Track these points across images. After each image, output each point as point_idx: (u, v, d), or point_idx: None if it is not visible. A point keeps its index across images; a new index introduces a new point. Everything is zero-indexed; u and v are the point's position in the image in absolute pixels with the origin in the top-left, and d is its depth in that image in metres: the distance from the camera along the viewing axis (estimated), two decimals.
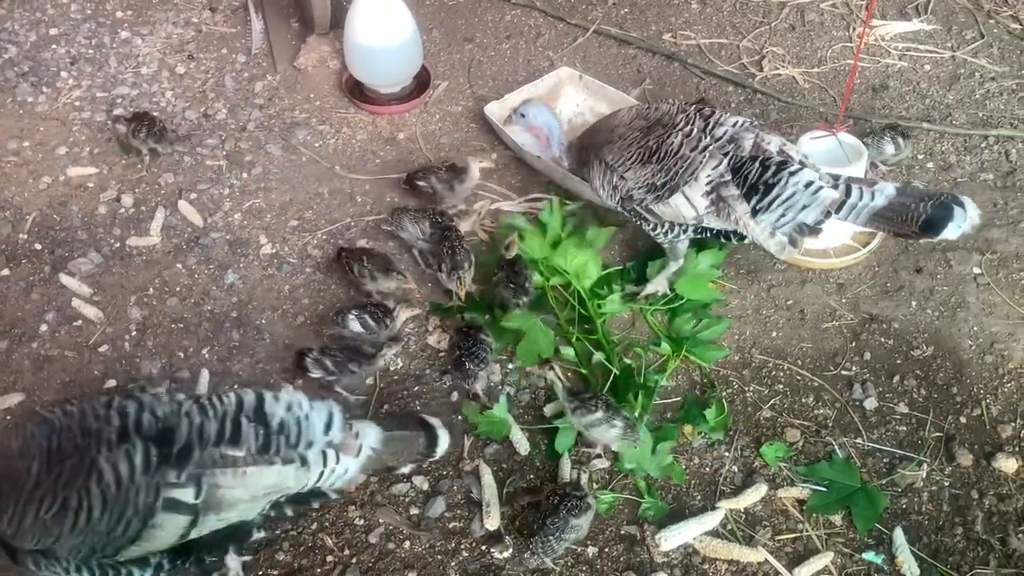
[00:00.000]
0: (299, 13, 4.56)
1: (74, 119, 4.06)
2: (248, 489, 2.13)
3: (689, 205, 2.91)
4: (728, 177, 2.85)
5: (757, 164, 2.83)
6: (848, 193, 2.79)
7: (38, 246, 3.53)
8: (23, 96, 4.15)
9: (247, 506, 2.17)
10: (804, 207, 2.80)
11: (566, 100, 4.05)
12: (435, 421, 2.52)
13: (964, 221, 2.74)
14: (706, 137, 2.89)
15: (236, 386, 2.39)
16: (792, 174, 2.81)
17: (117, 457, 2.04)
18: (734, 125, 2.90)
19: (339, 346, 3.00)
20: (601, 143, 3.12)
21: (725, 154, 2.86)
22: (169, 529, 2.09)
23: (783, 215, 2.83)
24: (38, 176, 3.80)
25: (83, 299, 3.33)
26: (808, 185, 2.79)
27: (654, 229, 3.10)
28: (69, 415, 2.10)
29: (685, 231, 3.05)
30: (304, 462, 2.19)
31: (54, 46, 4.42)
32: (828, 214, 2.81)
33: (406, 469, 2.68)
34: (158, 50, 4.42)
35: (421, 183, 3.57)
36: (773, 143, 2.88)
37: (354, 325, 3.05)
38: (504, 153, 3.92)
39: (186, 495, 2.07)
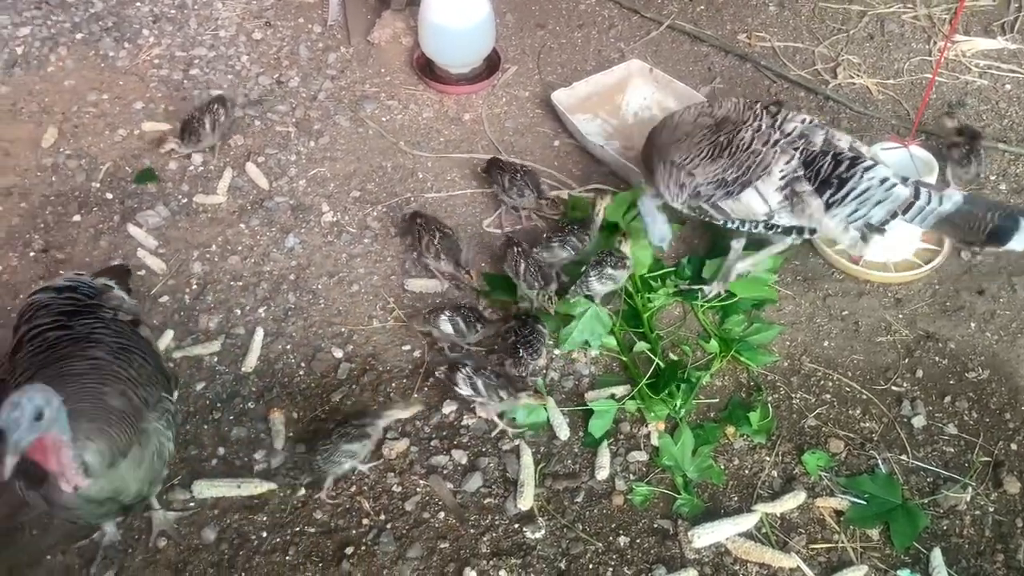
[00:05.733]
0: None
1: (152, 76, 4.17)
2: (122, 300, 2.65)
3: (761, 200, 2.89)
4: (800, 172, 2.84)
5: (829, 158, 2.83)
6: (917, 195, 2.79)
7: (109, 196, 3.64)
8: (105, 50, 4.27)
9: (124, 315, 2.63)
10: (879, 202, 2.80)
11: (634, 92, 4.04)
12: None
13: None
14: (776, 132, 2.88)
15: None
16: (867, 169, 2.81)
17: (89, 326, 2.42)
18: (803, 122, 2.91)
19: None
20: (666, 143, 3.09)
21: (796, 149, 2.85)
22: (148, 338, 2.59)
23: (856, 210, 2.82)
24: (114, 128, 3.91)
25: (148, 250, 3.43)
26: (883, 181, 2.79)
27: (724, 224, 3.08)
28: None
29: (756, 227, 3.02)
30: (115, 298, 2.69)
31: (138, 4, 4.54)
32: (895, 214, 2.80)
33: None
34: (237, 15, 4.51)
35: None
36: (843, 140, 2.89)
37: (445, 327, 3.02)
38: (567, 141, 3.93)
39: (124, 317, 2.57)
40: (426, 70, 4.19)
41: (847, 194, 2.80)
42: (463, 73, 4.17)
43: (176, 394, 2.59)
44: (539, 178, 3.57)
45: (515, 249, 3.20)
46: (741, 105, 2.99)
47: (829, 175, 2.82)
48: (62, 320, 2.43)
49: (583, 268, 3.12)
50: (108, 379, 2.28)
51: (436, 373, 2.92)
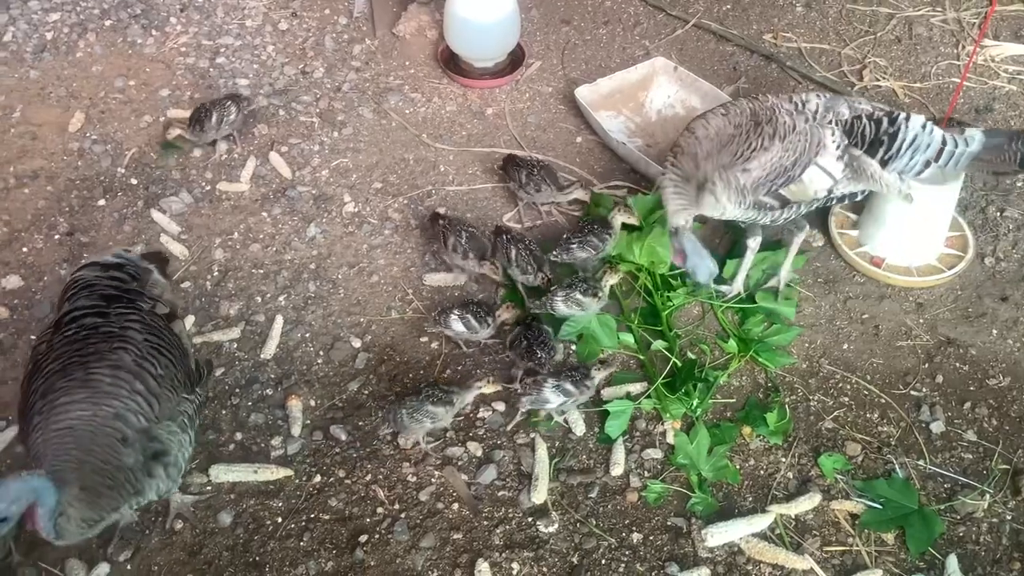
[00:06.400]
0: None
1: (179, 63, 4.20)
2: (165, 286, 2.69)
3: (824, 175, 2.92)
4: (846, 140, 2.91)
5: (866, 121, 2.91)
6: (944, 141, 2.89)
7: (134, 181, 3.67)
8: (133, 37, 4.31)
9: (170, 298, 2.69)
10: (928, 146, 2.91)
11: (658, 90, 4.03)
12: None
13: None
14: (806, 111, 2.92)
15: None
16: (906, 119, 2.91)
17: (124, 318, 2.42)
18: (819, 97, 2.97)
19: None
20: (710, 153, 2.93)
21: (830, 123, 2.91)
22: (182, 334, 2.60)
23: (911, 158, 2.91)
24: (140, 114, 3.95)
25: (171, 236, 3.46)
26: (924, 126, 2.91)
27: (779, 215, 3.03)
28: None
29: (813, 205, 3.03)
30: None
31: None
32: (928, 163, 2.90)
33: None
34: (264, 5, 4.53)
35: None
36: (863, 103, 2.97)
37: (457, 326, 3.02)
38: (590, 138, 3.93)
39: (162, 309, 2.59)
40: (450, 64, 4.20)
41: (900, 147, 2.90)
42: (487, 67, 4.18)
43: (201, 390, 2.60)
44: (556, 173, 3.56)
45: (504, 237, 3.21)
46: (757, 101, 2.98)
47: (875, 135, 2.90)
48: (101, 306, 2.44)
49: (552, 286, 3.11)
50: (130, 415, 2.27)
51: (519, 407, 2.85)
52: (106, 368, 2.30)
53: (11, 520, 2.10)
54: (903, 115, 2.92)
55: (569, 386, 2.82)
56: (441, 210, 3.48)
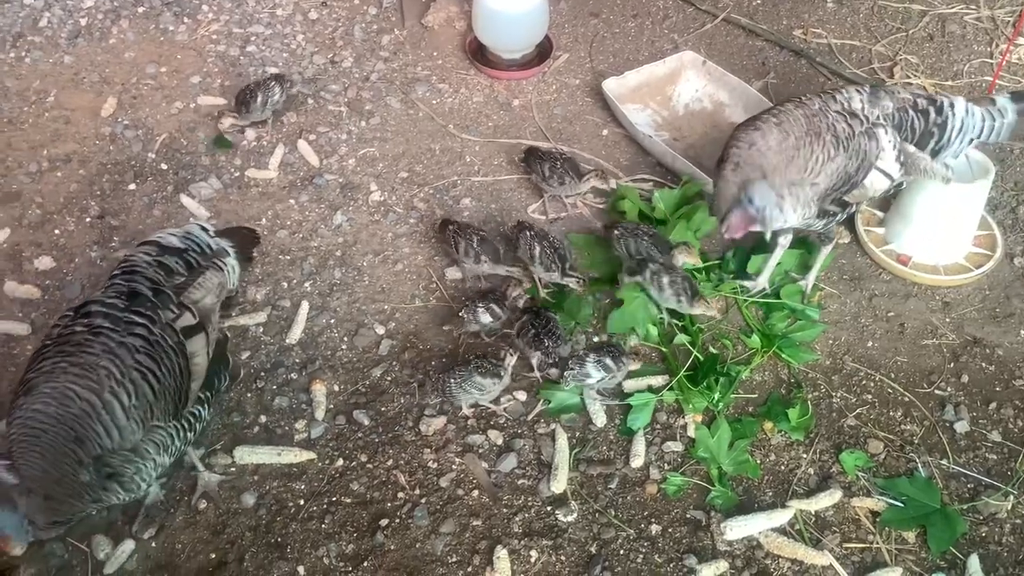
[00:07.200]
0: None
1: (210, 51, 4.24)
2: (211, 289, 2.63)
3: (883, 177, 2.94)
4: (898, 137, 2.92)
5: (913, 113, 2.93)
6: (983, 118, 2.99)
7: (164, 166, 3.72)
8: (165, 24, 4.36)
9: (214, 301, 2.65)
10: (972, 126, 2.99)
11: (686, 84, 4.02)
12: None
13: None
14: (856, 112, 2.90)
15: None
16: (951, 107, 2.97)
17: (129, 329, 2.39)
18: (859, 93, 2.95)
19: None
20: (777, 166, 2.81)
21: (877, 117, 2.91)
22: (199, 351, 2.54)
23: (960, 142, 3.00)
24: (171, 101, 3.99)
25: (199, 221, 3.49)
26: (967, 110, 2.97)
27: (829, 221, 3.02)
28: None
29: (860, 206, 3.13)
30: (226, 266, 2.75)
31: None
32: (971, 141, 2.97)
33: None
34: None
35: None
36: (902, 91, 2.99)
37: (484, 318, 3.02)
38: (616, 131, 3.92)
39: (188, 319, 2.52)
40: (478, 55, 4.21)
41: (949, 135, 2.96)
42: (514, 59, 4.18)
43: (205, 407, 2.61)
44: (579, 164, 3.55)
45: (528, 233, 3.19)
46: (804, 105, 2.89)
47: (925, 127, 2.94)
48: (117, 308, 2.42)
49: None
50: (88, 442, 2.29)
51: (563, 385, 2.89)
52: (83, 388, 2.31)
53: None
54: (946, 102, 2.94)
55: (609, 361, 2.85)
56: (455, 217, 3.47)
